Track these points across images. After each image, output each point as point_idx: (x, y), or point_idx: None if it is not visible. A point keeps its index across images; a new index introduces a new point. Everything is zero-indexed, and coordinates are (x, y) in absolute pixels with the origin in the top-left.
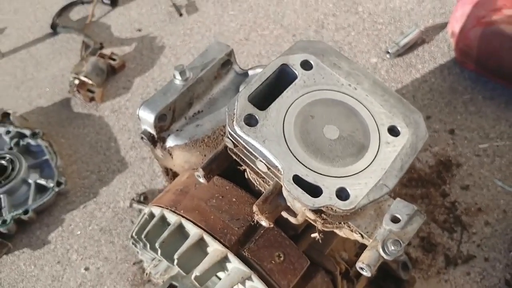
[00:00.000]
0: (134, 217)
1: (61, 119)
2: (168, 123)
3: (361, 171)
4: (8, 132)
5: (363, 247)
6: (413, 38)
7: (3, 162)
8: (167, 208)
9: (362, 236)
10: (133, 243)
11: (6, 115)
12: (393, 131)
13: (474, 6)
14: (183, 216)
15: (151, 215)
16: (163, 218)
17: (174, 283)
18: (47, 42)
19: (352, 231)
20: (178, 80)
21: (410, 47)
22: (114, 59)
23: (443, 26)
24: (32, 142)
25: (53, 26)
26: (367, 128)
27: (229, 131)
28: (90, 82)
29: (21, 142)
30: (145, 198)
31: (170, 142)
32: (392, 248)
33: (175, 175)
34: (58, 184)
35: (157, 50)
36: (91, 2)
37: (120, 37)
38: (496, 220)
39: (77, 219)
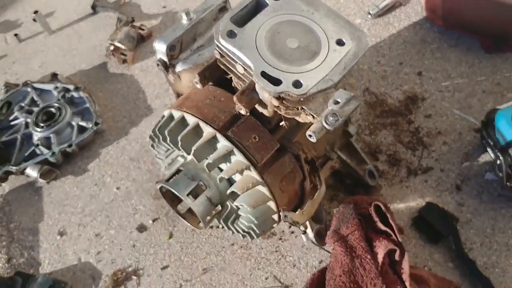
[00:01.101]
0: None
1: (99, 78)
2: (177, 53)
3: (312, 69)
4: (56, 88)
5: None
6: (391, 1)
7: (52, 109)
8: (174, 108)
9: (313, 116)
10: (150, 137)
11: (55, 75)
12: (340, 42)
13: None
14: (185, 111)
15: (168, 116)
16: (171, 116)
17: (180, 167)
18: (88, 20)
19: (306, 115)
20: (185, 20)
21: (389, 9)
22: (143, 29)
23: None
24: (75, 94)
25: (93, 7)
26: (319, 41)
27: (216, 44)
28: (123, 47)
29: (66, 95)
30: None
31: (179, 68)
32: (331, 119)
33: None
34: (96, 124)
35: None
36: None
37: (148, 13)
38: (453, 140)
39: (111, 152)
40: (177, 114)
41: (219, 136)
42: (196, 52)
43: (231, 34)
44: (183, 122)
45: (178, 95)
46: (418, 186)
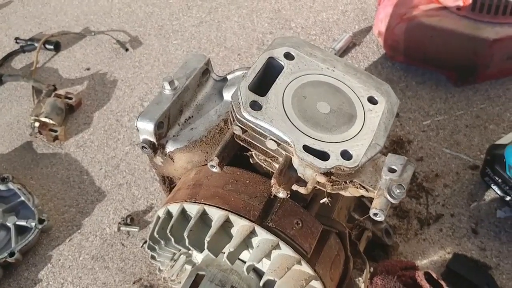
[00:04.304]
0: (123, 240)
1: (26, 162)
2: (165, 130)
3: (356, 135)
4: None
5: (351, 219)
6: (345, 43)
7: None
8: (186, 201)
9: (367, 190)
10: (149, 247)
11: None
12: (372, 100)
13: (395, 6)
14: (205, 204)
15: (169, 213)
16: (183, 212)
17: (201, 272)
18: None
19: (357, 188)
20: (168, 90)
21: (345, 51)
22: (70, 98)
23: (368, 29)
24: (1, 187)
25: None
26: (351, 101)
27: (237, 118)
28: (51, 122)
29: None
30: (131, 220)
31: (170, 147)
32: (398, 191)
33: (171, 182)
34: (41, 221)
35: (110, 84)
36: (33, 50)
37: (70, 78)
38: (452, 181)
39: (65, 252)
40: (193, 209)
41: (258, 229)
42: (186, 126)
43: (254, 105)
44: (202, 219)
45: (164, 178)
46: (435, 236)
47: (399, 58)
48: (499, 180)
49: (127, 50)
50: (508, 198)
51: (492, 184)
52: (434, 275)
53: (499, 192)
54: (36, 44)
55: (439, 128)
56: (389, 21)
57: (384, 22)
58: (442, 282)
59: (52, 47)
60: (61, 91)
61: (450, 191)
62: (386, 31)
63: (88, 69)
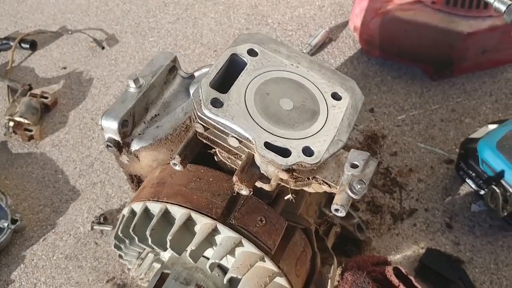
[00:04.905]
0: (97, 238)
1: (0, 162)
2: (130, 129)
3: (318, 132)
4: None
5: (322, 214)
6: (322, 38)
7: None
8: (149, 200)
9: (329, 186)
10: (115, 246)
11: None
12: (336, 96)
13: (370, 1)
14: (167, 202)
15: (133, 212)
16: (146, 210)
17: (166, 271)
18: None
19: (320, 184)
20: (133, 88)
21: (321, 46)
22: (46, 97)
23: (344, 24)
24: None
25: None
26: (314, 97)
27: (199, 116)
28: (26, 121)
29: None
30: (104, 219)
31: (135, 146)
32: (359, 187)
33: (139, 181)
34: (13, 221)
35: (86, 83)
36: (8, 49)
37: (46, 77)
38: (427, 175)
39: (38, 252)
40: (156, 208)
41: (220, 227)
42: (152, 124)
43: (215, 103)
44: (165, 218)
45: (132, 177)
46: (408, 231)
47: (375, 53)
48: (473, 174)
49: (103, 48)
50: (482, 192)
51: (466, 178)
52: (403, 271)
53: (473, 186)
54: (11, 43)
55: (414, 122)
56: (364, 15)
57: (360, 16)
58: (412, 278)
59: (28, 46)
60: (37, 91)
61: (425, 185)
62: (361, 25)
63: (64, 68)
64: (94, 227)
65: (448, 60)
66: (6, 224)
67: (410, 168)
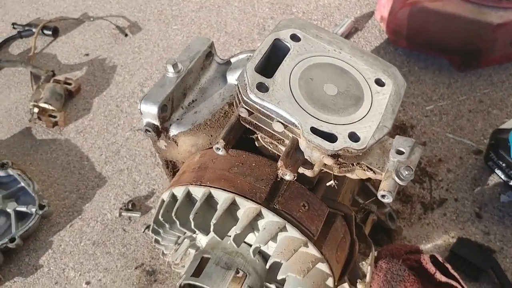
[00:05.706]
0: (125, 225)
1: (25, 148)
2: (169, 114)
3: (363, 117)
4: None
5: (354, 202)
6: (347, 28)
7: None
8: (191, 184)
9: (374, 172)
10: (153, 230)
11: None
12: (379, 82)
13: None
14: (210, 186)
15: (173, 196)
16: (188, 194)
17: (206, 255)
18: None
19: (364, 170)
20: (171, 73)
21: (346, 36)
22: (69, 83)
23: (370, 14)
24: (1, 173)
25: None
26: (358, 83)
27: (244, 100)
28: (50, 107)
29: None
30: (133, 205)
31: (174, 131)
32: (406, 173)
33: (174, 166)
34: (41, 207)
35: (110, 70)
36: (30, 36)
37: (69, 63)
38: (456, 166)
39: (66, 238)
40: (198, 192)
41: (265, 211)
42: (190, 110)
43: (261, 87)
44: (208, 202)
45: (167, 162)
46: (439, 221)
47: (402, 43)
48: (503, 165)
49: (126, 35)
50: (511, 183)
51: (495, 169)
52: (440, 259)
53: (502, 176)
54: (33, 30)
55: (442, 113)
56: (392, 5)
57: (387, 7)
58: (448, 265)
59: (50, 32)
60: (60, 77)
61: (454, 175)
62: (388, 16)
63: (87, 54)
64: (122, 213)
65: (476, 51)
66: (34, 210)
67: (440, 158)
